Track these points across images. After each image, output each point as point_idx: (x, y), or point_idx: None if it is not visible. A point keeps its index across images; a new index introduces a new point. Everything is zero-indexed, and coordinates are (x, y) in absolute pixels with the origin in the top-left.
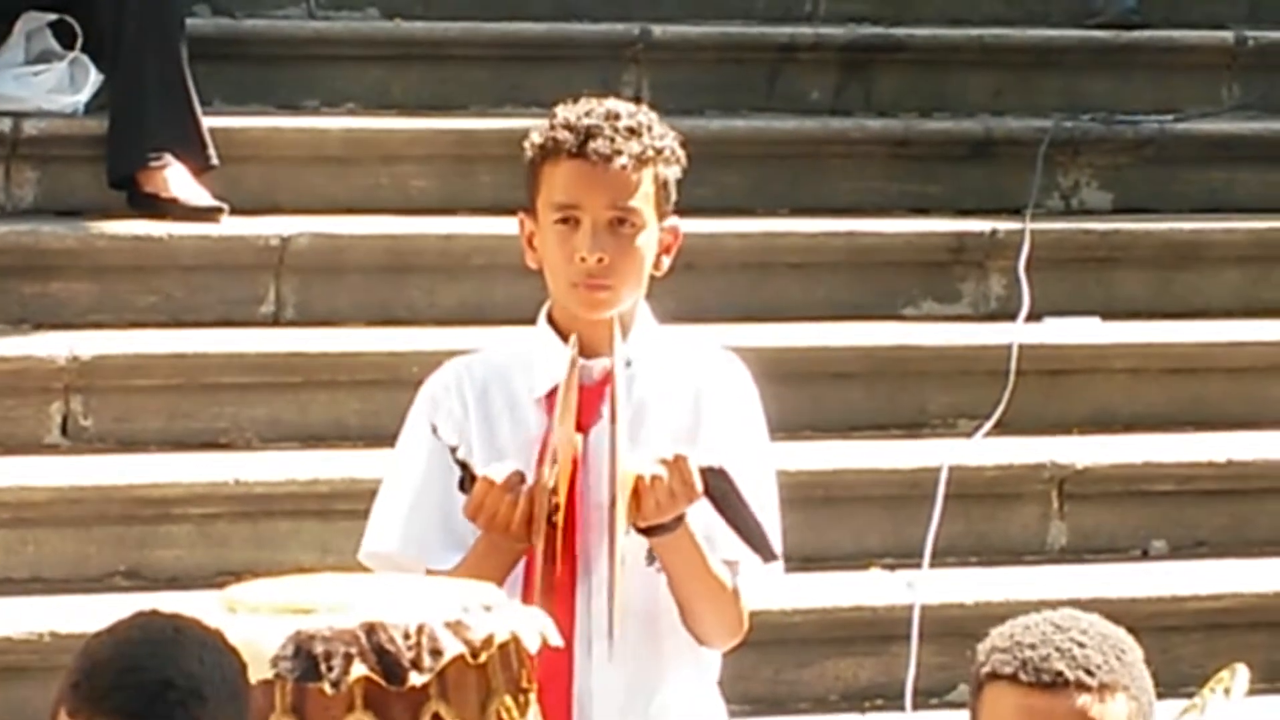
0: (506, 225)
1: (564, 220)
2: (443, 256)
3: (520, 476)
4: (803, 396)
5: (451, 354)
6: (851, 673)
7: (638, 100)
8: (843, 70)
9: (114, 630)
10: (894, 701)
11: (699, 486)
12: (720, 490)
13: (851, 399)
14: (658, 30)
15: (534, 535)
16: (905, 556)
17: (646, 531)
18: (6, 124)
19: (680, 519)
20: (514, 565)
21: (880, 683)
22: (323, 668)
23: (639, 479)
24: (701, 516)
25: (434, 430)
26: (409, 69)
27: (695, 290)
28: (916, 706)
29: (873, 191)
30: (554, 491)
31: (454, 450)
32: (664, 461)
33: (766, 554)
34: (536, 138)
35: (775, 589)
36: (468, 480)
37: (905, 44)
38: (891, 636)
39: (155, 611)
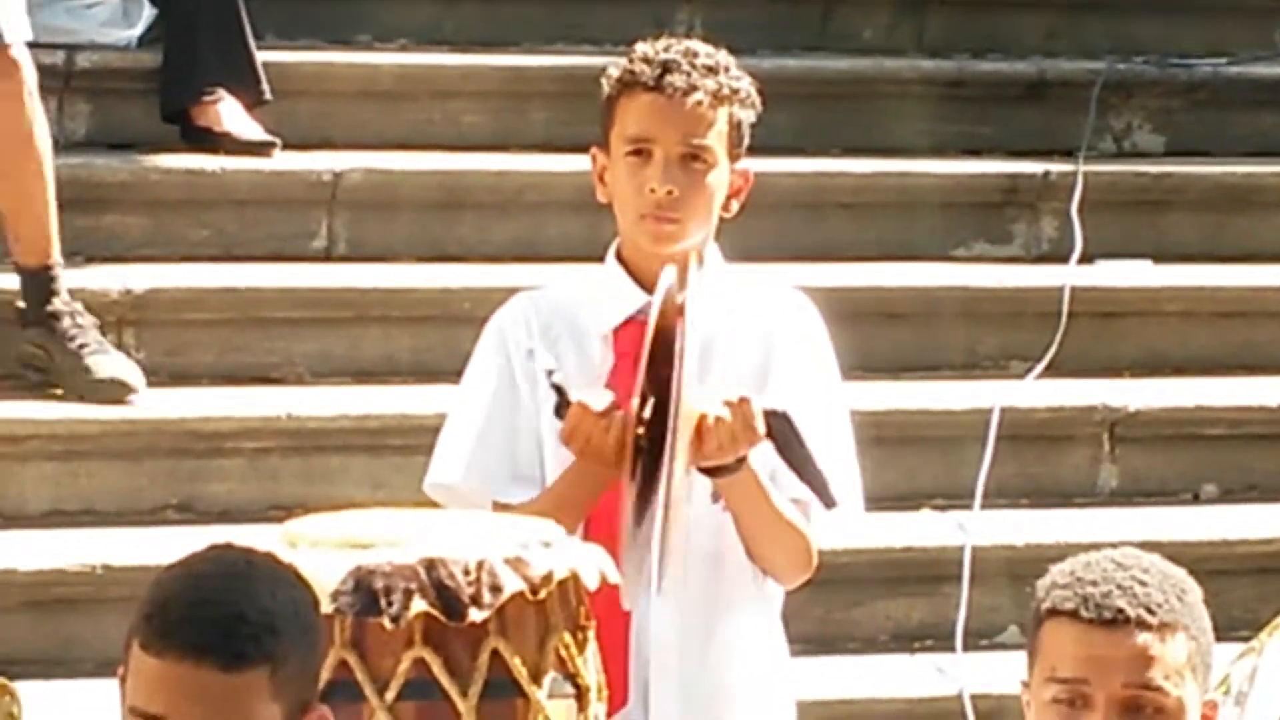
0: (558, 162)
1: (636, 152)
2: (495, 193)
3: (616, 404)
4: (854, 337)
5: (504, 290)
6: (902, 613)
7: (689, 37)
8: (895, 9)
9: (187, 563)
10: (944, 642)
11: (761, 430)
12: (783, 434)
13: (902, 340)
14: None
15: (622, 464)
16: (956, 498)
17: (708, 471)
18: (60, 57)
19: (742, 460)
20: (599, 496)
21: (930, 624)
22: (382, 603)
23: (702, 418)
24: (769, 456)
25: (530, 354)
26: (461, 5)
27: (746, 230)
28: (967, 648)
29: (925, 132)
30: (647, 423)
31: (550, 374)
32: (728, 403)
33: (827, 499)
34: (614, 71)
35: (849, 528)
36: (563, 405)
37: None
38: (942, 577)
39: (228, 545)
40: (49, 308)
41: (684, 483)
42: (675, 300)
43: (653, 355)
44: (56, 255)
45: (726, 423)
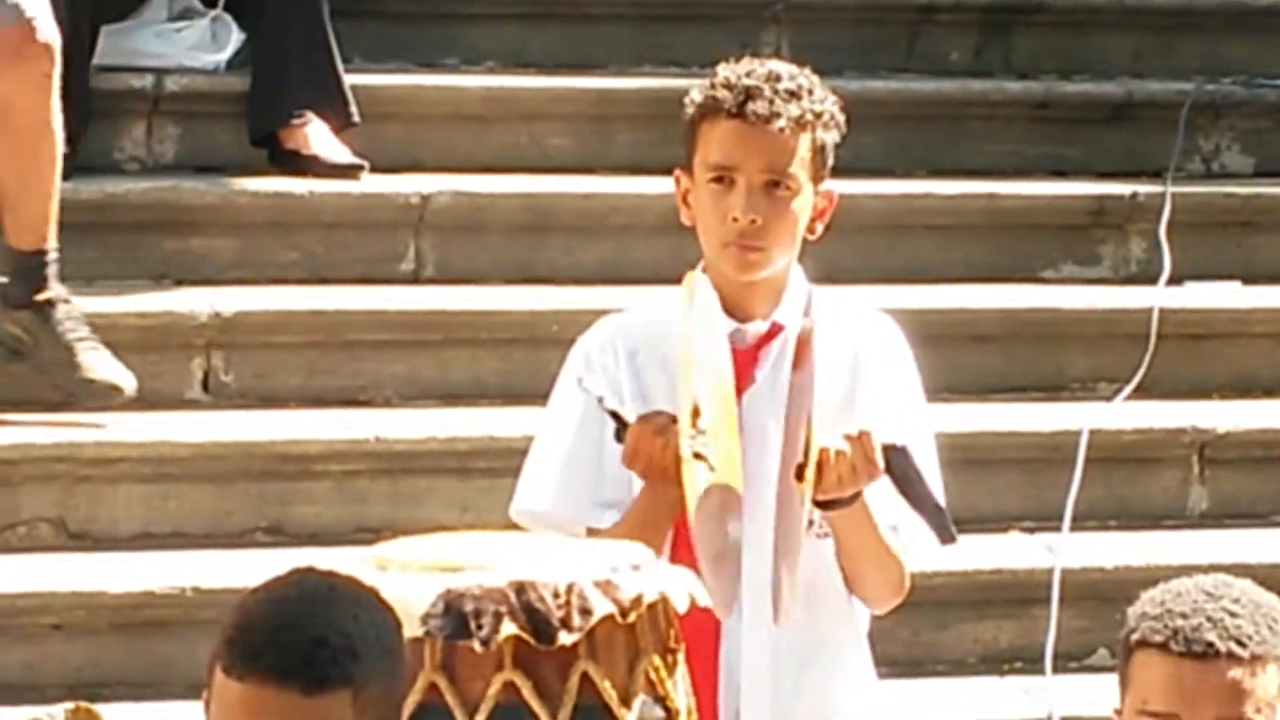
0: (645, 185)
1: (719, 180)
2: (582, 215)
3: (670, 419)
4: (941, 359)
5: (591, 312)
6: (990, 635)
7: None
8: (983, 31)
9: (269, 587)
10: (1033, 665)
11: (881, 464)
12: (901, 469)
13: (990, 362)
14: None
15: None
16: (1045, 520)
17: (823, 504)
18: (148, 80)
19: (858, 494)
20: (674, 516)
21: (1019, 646)
22: (472, 626)
23: (823, 451)
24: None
25: (579, 383)
26: (548, 27)
27: (832, 252)
28: (1056, 670)
29: (1012, 154)
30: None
31: (601, 400)
32: (848, 437)
33: (945, 535)
34: (696, 95)
35: (936, 554)
36: (620, 429)
37: (1045, 5)
38: (1031, 600)
39: (310, 569)
40: (42, 295)
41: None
42: (807, 331)
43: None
44: (53, 242)
45: (847, 457)
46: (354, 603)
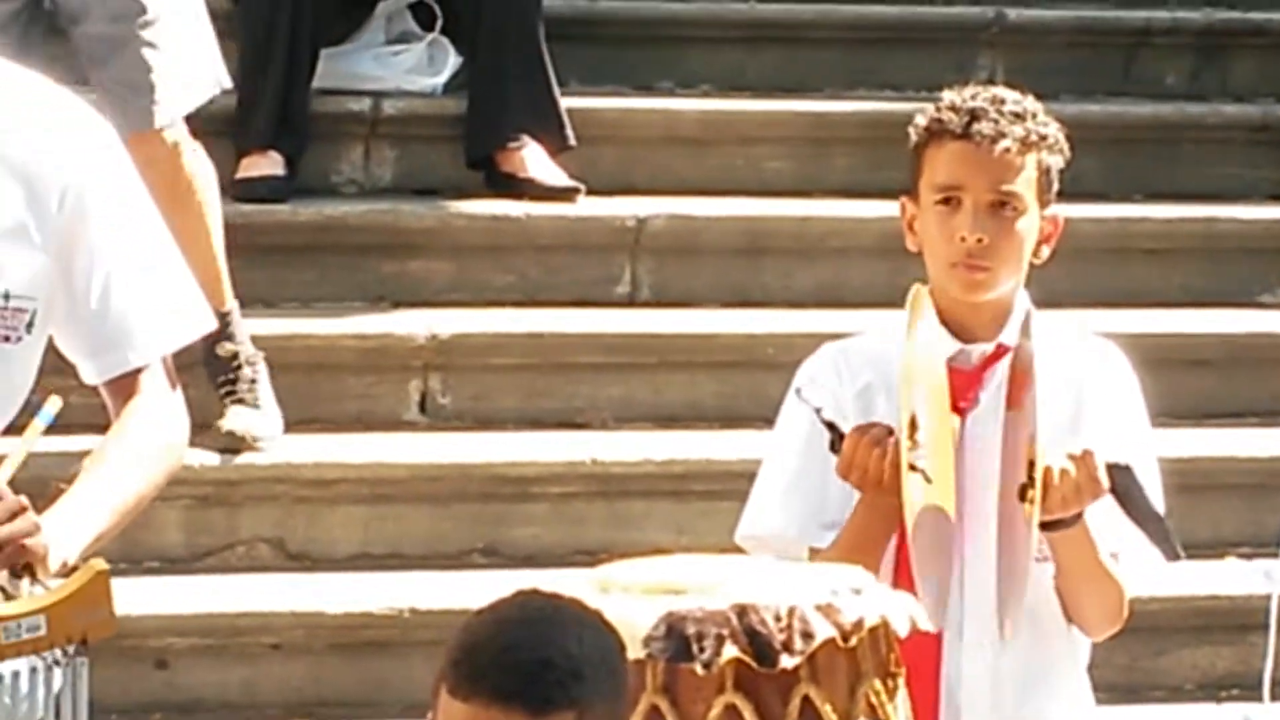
0: (861, 208)
1: (945, 201)
2: (798, 239)
3: (888, 430)
4: (1158, 383)
5: (807, 336)
6: (1208, 661)
7: (991, 83)
8: (1199, 54)
9: (494, 609)
10: (1251, 692)
11: (1105, 483)
12: (1124, 487)
13: (1207, 386)
14: (1013, 14)
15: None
16: (1262, 546)
17: (1045, 525)
18: (366, 104)
19: (1079, 515)
20: (892, 531)
21: (1237, 672)
22: (694, 648)
23: (1046, 471)
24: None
25: (798, 394)
26: (763, 51)
27: (1050, 276)
28: (1275, 697)
29: (1229, 177)
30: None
31: (819, 411)
32: (1071, 456)
33: (1170, 552)
34: (921, 120)
35: (1155, 575)
36: (836, 440)
37: (1264, 28)
38: (1248, 626)
39: (534, 591)
40: (217, 351)
41: (1032, 538)
42: (1027, 350)
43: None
44: (230, 302)
45: (1070, 476)
46: (578, 625)
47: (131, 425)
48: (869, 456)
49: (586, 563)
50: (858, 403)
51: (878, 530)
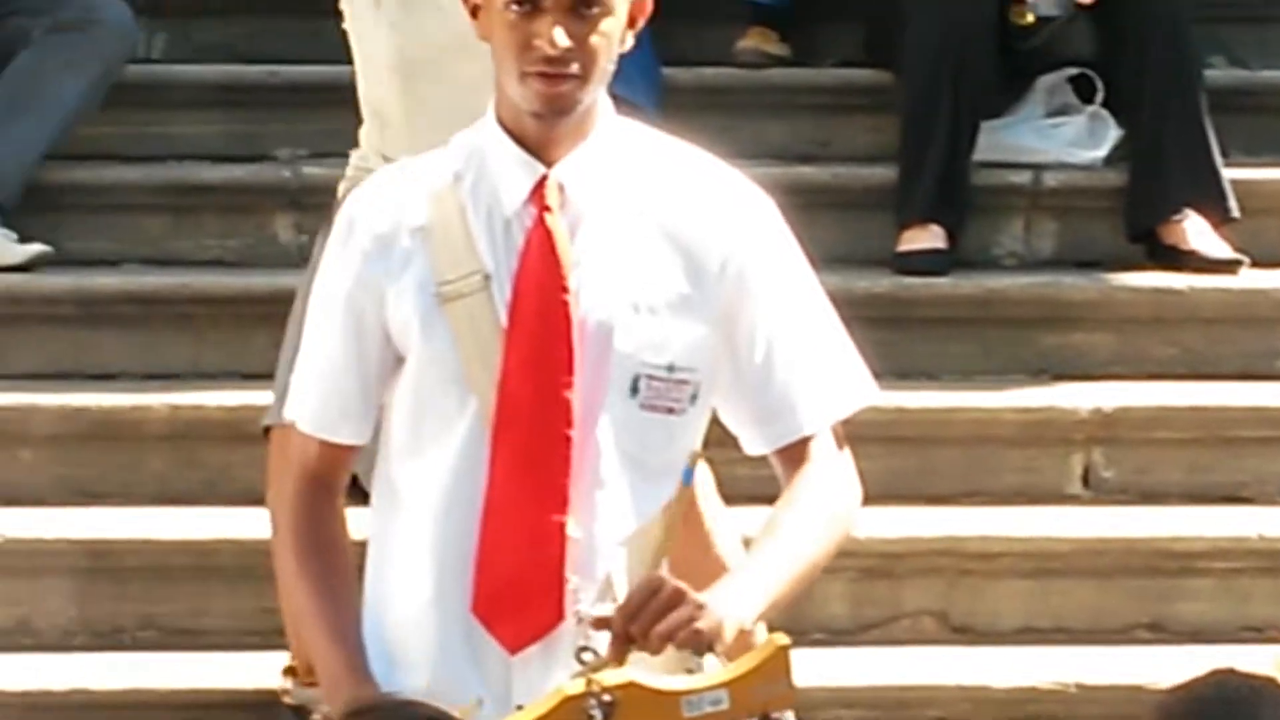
0: None
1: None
2: None
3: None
4: None
5: None
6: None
7: None
8: None
9: (1189, 688)
10: None
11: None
12: None
13: None
14: None
15: None
16: None
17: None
18: (1026, 176)
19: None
20: None
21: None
22: None
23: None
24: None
25: None
26: None
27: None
28: None
29: None
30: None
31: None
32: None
33: None
34: None
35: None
36: None
37: None
38: None
39: (1231, 670)
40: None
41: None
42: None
43: None
44: None
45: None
46: (1274, 706)
47: (803, 494)
48: None
49: (1253, 639)
50: None
51: None
